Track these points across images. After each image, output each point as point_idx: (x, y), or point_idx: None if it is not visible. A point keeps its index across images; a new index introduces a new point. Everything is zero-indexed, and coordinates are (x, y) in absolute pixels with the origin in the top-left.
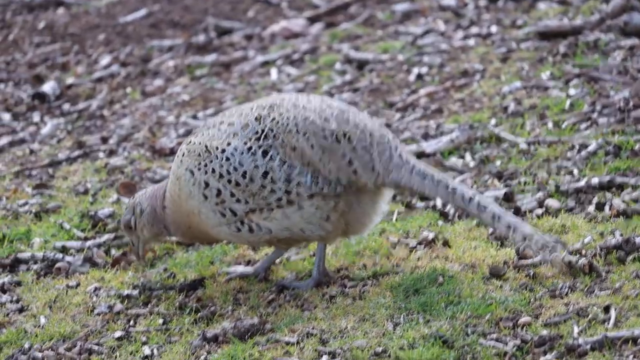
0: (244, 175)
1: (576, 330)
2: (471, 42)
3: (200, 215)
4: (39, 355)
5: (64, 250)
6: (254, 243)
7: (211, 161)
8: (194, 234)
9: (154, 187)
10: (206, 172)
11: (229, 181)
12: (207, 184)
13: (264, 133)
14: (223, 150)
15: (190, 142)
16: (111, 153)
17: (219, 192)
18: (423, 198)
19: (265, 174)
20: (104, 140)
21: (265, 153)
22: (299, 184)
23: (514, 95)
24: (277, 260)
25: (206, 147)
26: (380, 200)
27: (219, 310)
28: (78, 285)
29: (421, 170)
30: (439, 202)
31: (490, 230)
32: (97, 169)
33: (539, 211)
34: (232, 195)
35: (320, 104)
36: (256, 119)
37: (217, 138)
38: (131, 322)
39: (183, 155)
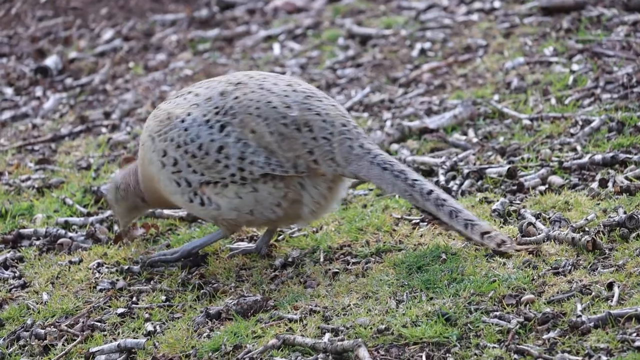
0: (200, 147)
1: (579, 307)
2: (474, 17)
3: (160, 182)
4: (42, 331)
5: (67, 226)
6: (204, 217)
7: (171, 129)
8: (160, 201)
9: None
10: (165, 140)
11: (186, 152)
12: (165, 152)
13: (224, 110)
14: (182, 120)
15: (158, 107)
16: (114, 128)
17: (175, 162)
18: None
19: (220, 148)
20: (107, 115)
21: (222, 127)
22: (252, 162)
23: (517, 71)
24: (280, 237)
25: (169, 114)
26: (339, 187)
27: (222, 287)
28: (80, 261)
29: (383, 161)
30: (396, 196)
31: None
32: (99, 144)
33: (542, 188)
34: (189, 165)
35: (286, 87)
36: (221, 93)
37: (181, 107)
38: (134, 299)
39: (149, 120)
